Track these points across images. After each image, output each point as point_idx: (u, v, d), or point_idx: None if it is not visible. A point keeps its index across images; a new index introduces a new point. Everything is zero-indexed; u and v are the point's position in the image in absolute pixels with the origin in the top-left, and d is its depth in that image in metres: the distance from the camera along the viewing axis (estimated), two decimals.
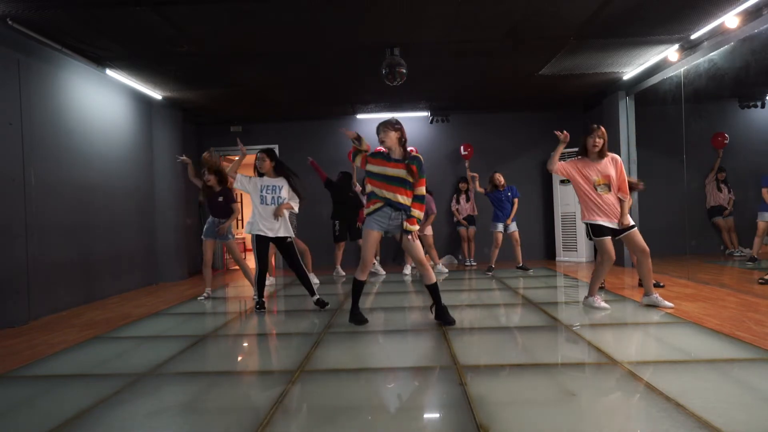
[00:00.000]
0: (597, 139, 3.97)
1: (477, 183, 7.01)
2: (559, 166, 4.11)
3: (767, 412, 2.05)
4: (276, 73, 6.12)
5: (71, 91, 5.33)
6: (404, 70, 5.26)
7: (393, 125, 3.59)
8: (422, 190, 3.62)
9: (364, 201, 4.06)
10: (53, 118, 5.02)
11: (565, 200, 8.06)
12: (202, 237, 5.32)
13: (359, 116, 8.51)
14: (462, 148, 8.04)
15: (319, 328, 3.80)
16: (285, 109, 7.96)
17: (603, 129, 4.04)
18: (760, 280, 5.07)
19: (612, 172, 3.99)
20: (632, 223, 4.03)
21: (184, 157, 5.44)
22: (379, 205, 3.62)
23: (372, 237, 3.67)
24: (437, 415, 2.20)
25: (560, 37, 5.17)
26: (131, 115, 6.58)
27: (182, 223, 7.44)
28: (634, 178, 5.32)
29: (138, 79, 6.06)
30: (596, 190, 3.99)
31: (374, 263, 7.25)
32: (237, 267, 9.05)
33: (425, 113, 8.45)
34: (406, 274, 6.89)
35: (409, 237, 3.60)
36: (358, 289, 3.84)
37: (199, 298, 5.36)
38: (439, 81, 6.68)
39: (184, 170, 7.53)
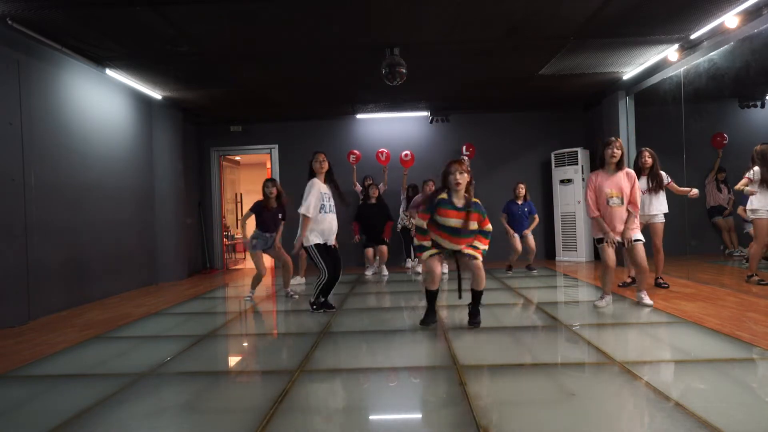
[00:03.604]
0: (615, 150, 4.03)
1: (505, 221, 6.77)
2: (590, 202, 4.13)
3: (767, 412, 2.05)
4: (276, 73, 6.12)
5: (71, 91, 5.32)
6: (404, 70, 5.26)
7: (467, 167, 3.56)
8: (489, 226, 3.59)
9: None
10: (53, 118, 5.01)
11: (565, 200, 8.06)
12: (252, 251, 5.12)
13: (359, 116, 8.50)
14: (464, 148, 8.04)
15: (319, 328, 3.80)
16: (285, 109, 7.96)
17: (621, 141, 4.11)
18: (761, 281, 5.05)
19: (625, 186, 4.03)
20: (638, 237, 4.05)
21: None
22: (437, 251, 3.59)
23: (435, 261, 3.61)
24: (437, 415, 2.20)
25: (560, 37, 5.17)
26: (131, 115, 6.58)
27: (182, 223, 7.45)
28: (686, 188, 5.29)
29: (138, 79, 6.06)
30: (608, 203, 4.02)
31: (380, 266, 7.21)
32: (237, 267, 9.12)
33: (425, 113, 8.44)
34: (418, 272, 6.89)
35: (474, 261, 3.53)
36: (432, 296, 3.74)
37: (293, 293, 5.28)
38: (439, 81, 6.68)
39: (184, 170, 7.57)
